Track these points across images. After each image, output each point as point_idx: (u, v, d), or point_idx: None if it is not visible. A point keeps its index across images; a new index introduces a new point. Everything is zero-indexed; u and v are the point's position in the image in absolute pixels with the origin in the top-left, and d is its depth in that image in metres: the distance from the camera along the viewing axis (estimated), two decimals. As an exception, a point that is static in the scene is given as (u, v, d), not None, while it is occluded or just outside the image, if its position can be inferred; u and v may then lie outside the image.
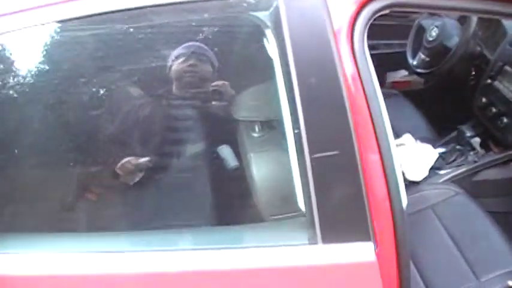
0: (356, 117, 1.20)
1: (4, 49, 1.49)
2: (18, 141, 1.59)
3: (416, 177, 2.20)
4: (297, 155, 1.23)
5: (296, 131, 1.20)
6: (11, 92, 1.55)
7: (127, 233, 1.49)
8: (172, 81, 1.82)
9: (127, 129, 1.78)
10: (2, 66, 1.54)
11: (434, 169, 2.29)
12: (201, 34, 1.63)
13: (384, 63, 2.62)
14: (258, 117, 1.59)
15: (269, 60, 1.32)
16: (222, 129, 1.77)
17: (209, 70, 1.79)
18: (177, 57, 1.80)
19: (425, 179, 2.24)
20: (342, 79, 1.19)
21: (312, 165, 1.19)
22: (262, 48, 1.33)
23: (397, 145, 2.19)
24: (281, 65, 1.24)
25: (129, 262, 1.29)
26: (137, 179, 1.70)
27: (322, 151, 1.19)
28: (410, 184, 2.19)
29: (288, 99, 1.24)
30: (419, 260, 1.86)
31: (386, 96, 2.20)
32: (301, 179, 1.23)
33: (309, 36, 1.20)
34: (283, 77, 1.24)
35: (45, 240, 1.44)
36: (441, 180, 2.25)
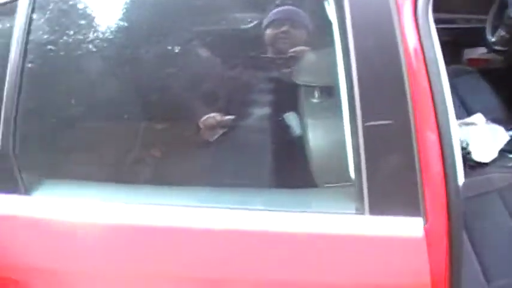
0: (415, 90, 1.16)
1: (86, 6, 1.52)
2: (96, 95, 1.64)
3: (484, 158, 2.12)
4: (350, 123, 1.20)
5: (351, 97, 1.17)
6: (90, 47, 1.59)
7: (187, 189, 1.51)
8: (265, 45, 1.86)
9: (204, 87, 1.83)
10: (83, 22, 1.57)
11: (504, 152, 2.19)
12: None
13: (462, 39, 2.53)
14: (317, 83, 1.56)
15: (329, 24, 1.28)
16: (289, 94, 1.76)
17: (303, 36, 1.81)
18: (270, 23, 1.83)
19: (493, 161, 2.15)
20: (401, 49, 1.15)
21: (364, 134, 1.17)
22: (323, 10, 1.30)
23: (466, 124, 2.12)
24: (339, 29, 1.21)
25: (184, 216, 1.33)
26: (216, 136, 1.74)
27: (376, 120, 1.16)
28: (477, 165, 2.11)
29: (344, 65, 1.20)
30: (478, 244, 1.81)
31: (461, 74, 2.12)
32: (353, 148, 1.21)
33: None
34: (341, 42, 1.21)
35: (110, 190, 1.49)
36: (510, 164, 2.15)
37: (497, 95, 2.55)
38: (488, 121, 2.26)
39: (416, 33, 1.16)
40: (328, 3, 1.27)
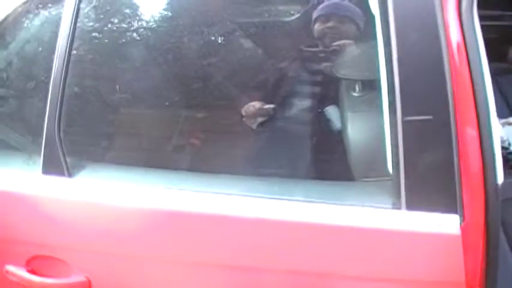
0: (456, 87, 1.15)
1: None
2: (139, 82, 1.68)
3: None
4: (390, 117, 1.20)
5: (392, 91, 1.17)
6: (134, 35, 1.63)
7: (227, 177, 1.52)
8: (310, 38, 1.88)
9: (247, 78, 1.87)
10: (128, 11, 1.61)
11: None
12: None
13: (509, 37, 2.47)
14: (358, 76, 1.56)
15: (371, 16, 1.28)
16: (330, 87, 1.77)
17: (352, 31, 1.81)
18: (317, 17, 1.84)
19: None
20: (444, 44, 1.14)
21: (403, 128, 1.16)
22: (366, 3, 1.30)
23: (510, 123, 2.08)
24: (381, 22, 1.20)
25: (224, 204, 1.35)
26: (256, 123, 1.78)
27: (415, 114, 1.15)
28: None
29: (386, 59, 1.20)
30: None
31: (505, 72, 2.08)
32: (391, 142, 1.21)
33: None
34: (383, 36, 1.21)
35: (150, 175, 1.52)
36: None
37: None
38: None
39: (460, 28, 1.15)
40: (370, -4, 1.27)
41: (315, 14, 1.87)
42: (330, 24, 1.84)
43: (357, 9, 1.79)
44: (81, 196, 1.43)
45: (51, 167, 1.45)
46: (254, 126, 1.80)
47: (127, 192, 1.41)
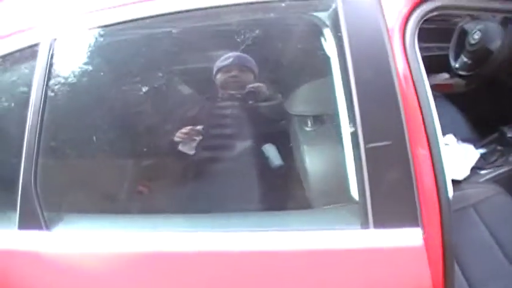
0: (407, 112, 1.28)
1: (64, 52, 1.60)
2: (106, 134, 1.73)
3: (458, 176, 2.25)
4: (352, 145, 1.32)
5: (352, 122, 1.29)
6: (98, 90, 1.69)
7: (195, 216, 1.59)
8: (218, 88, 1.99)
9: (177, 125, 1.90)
10: (93, 65, 1.68)
11: (475, 169, 2.32)
12: (264, 33, 1.73)
13: (425, 66, 2.67)
14: (312, 112, 1.68)
15: (326, 57, 1.41)
16: (271, 126, 1.88)
17: (250, 79, 1.94)
18: (220, 68, 1.97)
19: (466, 178, 2.28)
20: (395, 75, 1.27)
21: (366, 155, 1.28)
22: (320, 46, 1.42)
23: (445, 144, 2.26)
24: (339, 61, 1.33)
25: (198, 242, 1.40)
26: (195, 144, 1.85)
27: (376, 141, 1.27)
28: (452, 183, 2.24)
29: (345, 94, 1.32)
30: (460, 257, 1.90)
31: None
32: (356, 168, 1.31)
33: (365, 35, 1.29)
34: (341, 73, 1.33)
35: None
36: (482, 180, 2.29)
37: (463, 116, 2.71)
38: (459, 141, 2.40)
39: (406, 61, 1.30)
40: (325, 39, 1.40)
41: (216, 66, 2.01)
42: (232, 73, 2.00)
43: (253, 60, 1.95)
44: (63, 248, 1.45)
45: (28, 221, 1.46)
46: (192, 152, 1.88)
47: (107, 239, 1.44)
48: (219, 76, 2.02)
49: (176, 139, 1.87)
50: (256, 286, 1.37)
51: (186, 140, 1.87)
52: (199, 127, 1.90)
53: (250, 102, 1.95)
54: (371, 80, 1.28)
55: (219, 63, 2.01)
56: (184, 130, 1.87)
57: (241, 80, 1.99)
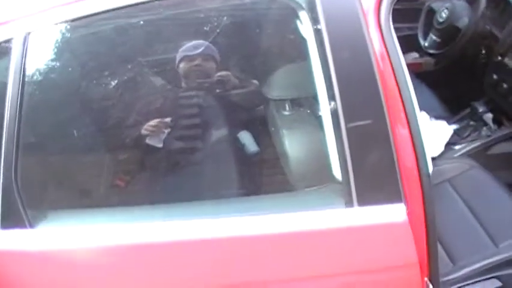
0: (386, 91, 1.30)
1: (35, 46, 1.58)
2: (85, 128, 1.71)
3: (433, 152, 2.29)
4: (333, 126, 1.33)
5: (332, 103, 1.30)
6: (49, 83, 1.66)
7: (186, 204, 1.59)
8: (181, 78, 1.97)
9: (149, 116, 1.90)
10: (41, 62, 1.64)
11: (449, 144, 2.39)
12: (240, 16, 1.72)
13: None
14: (289, 96, 1.69)
15: (302, 40, 1.41)
16: (244, 113, 1.88)
17: (213, 67, 1.94)
18: (183, 58, 1.95)
19: (441, 154, 2.34)
20: (372, 54, 1.29)
21: (347, 134, 1.29)
22: (296, 29, 1.43)
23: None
24: (316, 43, 1.34)
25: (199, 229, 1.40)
26: (163, 137, 1.85)
27: (357, 120, 1.29)
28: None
29: (324, 75, 1.33)
30: (439, 230, 1.92)
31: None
32: (337, 148, 1.33)
33: (341, 16, 1.31)
34: (318, 55, 1.34)
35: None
36: (456, 155, 2.35)
37: (435, 94, 2.75)
38: (432, 118, 2.44)
39: (382, 40, 1.32)
40: (301, 22, 1.41)
41: (179, 55, 1.99)
42: (196, 62, 1.97)
43: (215, 49, 1.95)
44: (47, 245, 1.43)
45: (11, 220, 1.43)
46: (160, 144, 1.87)
47: (91, 234, 1.43)
48: (182, 65, 1.99)
49: (144, 132, 1.86)
50: (241, 271, 1.38)
51: (154, 133, 1.86)
52: (167, 119, 1.89)
53: (219, 90, 1.94)
54: (349, 61, 1.30)
55: (181, 53, 1.99)
56: (152, 123, 1.86)
57: (205, 69, 1.98)
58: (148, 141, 1.87)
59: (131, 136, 1.87)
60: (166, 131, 1.88)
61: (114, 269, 1.40)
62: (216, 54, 1.96)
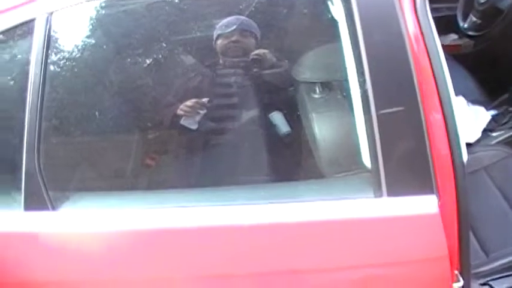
0: (419, 75, 1.24)
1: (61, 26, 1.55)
2: (111, 110, 1.69)
3: (469, 139, 2.22)
4: (363, 112, 1.28)
5: (363, 89, 1.25)
6: (74, 64, 1.64)
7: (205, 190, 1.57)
8: (218, 54, 1.92)
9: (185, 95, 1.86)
10: (65, 43, 1.62)
11: (486, 131, 2.30)
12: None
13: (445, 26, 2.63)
14: (320, 79, 1.64)
15: (333, 21, 1.36)
16: (277, 93, 1.84)
17: (252, 44, 1.88)
18: (220, 34, 1.91)
19: (477, 140, 2.26)
20: (406, 37, 1.23)
21: (378, 121, 1.24)
22: (327, 10, 1.38)
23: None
24: (347, 25, 1.29)
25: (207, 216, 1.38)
26: (198, 118, 1.81)
27: (388, 107, 1.24)
28: (463, 146, 2.21)
29: (355, 59, 1.28)
30: (473, 220, 1.89)
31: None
32: (367, 136, 1.28)
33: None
34: (350, 37, 1.29)
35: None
36: (494, 142, 2.27)
37: (472, 78, 2.66)
38: (469, 103, 2.36)
39: (417, 23, 1.25)
40: (333, 3, 1.35)
41: (216, 32, 1.94)
42: (234, 38, 1.93)
43: (254, 24, 1.88)
44: (70, 228, 1.43)
45: (34, 202, 1.43)
46: (194, 126, 1.84)
47: (114, 217, 1.42)
48: (219, 42, 1.95)
49: (179, 112, 1.82)
50: (269, 259, 1.35)
51: (190, 113, 1.82)
52: (204, 100, 1.85)
53: (255, 70, 1.89)
54: (381, 44, 1.24)
55: (219, 29, 1.94)
56: (188, 103, 1.83)
57: (243, 45, 1.93)
58: (183, 122, 1.83)
59: (166, 116, 1.85)
60: (202, 112, 1.84)
61: (136, 254, 1.38)
62: (255, 30, 1.90)
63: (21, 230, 1.44)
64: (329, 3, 1.40)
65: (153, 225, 1.39)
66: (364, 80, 1.24)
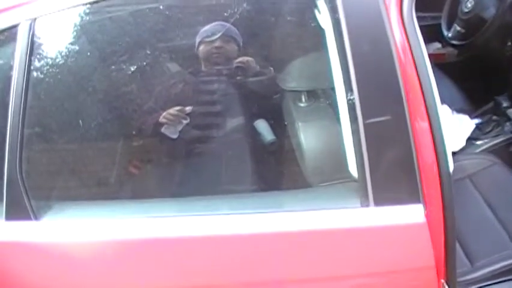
0: (406, 85, 1.24)
1: (48, 31, 1.54)
2: (93, 118, 1.67)
3: (454, 147, 2.23)
4: (350, 121, 1.27)
5: (350, 98, 1.24)
6: (58, 70, 1.62)
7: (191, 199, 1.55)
8: (200, 60, 1.90)
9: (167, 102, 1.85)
10: (48, 49, 1.60)
11: (471, 139, 2.31)
12: (256, 4, 1.67)
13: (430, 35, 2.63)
14: (306, 87, 1.64)
15: (320, 30, 1.36)
16: (262, 101, 1.83)
17: (235, 50, 1.86)
18: (202, 40, 1.89)
19: (462, 149, 2.26)
20: (393, 47, 1.23)
21: (365, 130, 1.24)
22: (314, 18, 1.37)
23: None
24: (334, 34, 1.28)
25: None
26: (180, 127, 1.79)
27: (375, 116, 1.23)
28: (448, 155, 2.22)
29: (341, 68, 1.27)
30: (458, 228, 1.88)
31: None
32: (354, 145, 1.28)
33: (361, 5, 1.25)
34: (336, 46, 1.28)
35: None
36: (478, 150, 2.27)
37: (457, 87, 2.67)
38: (454, 112, 2.37)
39: (404, 32, 1.25)
40: (319, 11, 1.34)
41: (199, 38, 1.92)
42: (216, 44, 1.91)
43: (236, 30, 1.87)
44: (53, 237, 1.40)
45: (16, 212, 1.41)
46: (175, 135, 1.82)
47: (97, 227, 1.40)
48: (201, 48, 1.93)
49: (162, 120, 1.80)
50: (254, 269, 1.34)
51: (172, 122, 1.81)
52: (188, 108, 1.83)
53: (239, 77, 1.87)
54: (368, 53, 1.24)
55: (201, 35, 1.92)
56: (172, 111, 1.80)
57: (226, 51, 1.91)
58: (164, 130, 1.81)
59: (149, 124, 1.83)
60: (185, 122, 1.82)
61: (120, 264, 1.37)
62: (238, 37, 1.89)
63: (2, 239, 1.42)
64: (316, 11, 1.39)
65: (137, 234, 1.37)
66: (351, 89, 1.24)
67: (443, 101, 2.31)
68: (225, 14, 1.76)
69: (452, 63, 2.76)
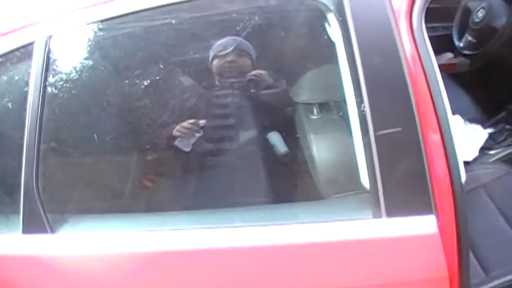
0: (416, 96, 1.24)
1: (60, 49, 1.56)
2: (110, 133, 1.69)
3: (467, 157, 2.23)
4: (362, 133, 1.28)
5: (361, 110, 1.25)
6: (73, 86, 1.65)
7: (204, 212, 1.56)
8: (214, 75, 1.93)
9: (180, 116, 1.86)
10: (63, 65, 1.63)
11: (484, 149, 2.31)
12: (267, 18, 1.68)
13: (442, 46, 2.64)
14: (317, 100, 1.65)
15: (330, 43, 1.37)
16: (275, 114, 1.84)
17: (248, 64, 1.87)
18: (216, 54, 1.91)
19: (475, 159, 2.26)
20: (403, 59, 1.23)
21: (376, 142, 1.24)
22: (324, 31, 1.39)
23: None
24: (344, 46, 1.29)
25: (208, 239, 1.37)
26: (193, 140, 1.80)
27: (386, 128, 1.24)
28: (461, 164, 2.21)
29: (352, 80, 1.28)
30: (472, 238, 1.88)
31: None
32: (365, 156, 1.28)
33: (371, 18, 1.25)
34: (347, 59, 1.29)
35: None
36: (491, 160, 2.27)
37: (469, 96, 2.67)
38: (466, 122, 2.37)
39: (414, 43, 1.25)
40: (330, 24, 1.36)
41: (212, 52, 1.95)
42: (229, 58, 1.93)
43: (250, 44, 1.89)
44: (69, 251, 1.42)
45: (32, 225, 1.43)
46: (188, 148, 1.83)
47: (113, 240, 1.41)
48: (215, 62, 1.96)
49: (176, 133, 1.82)
50: (268, 281, 1.35)
51: (186, 135, 1.82)
52: (201, 121, 1.84)
53: (252, 90, 1.89)
54: (378, 65, 1.24)
55: (214, 50, 1.95)
56: (185, 124, 1.82)
57: (239, 65, 1.94)
58: (177, 143, 1.82)
59: (163, 137, 1.85)
60: (198, 135, 1.83)
61: (136, 277, 1.38)
62: (251, 50, 1.91)
63: (19, 253, 1.44)
64: (326, 24, 1.40)
65: (152, 247, 1.38)
66: (362, 101, 1.24)
67: (455, 111, 2.33)
68: (238, 28, 1.77)
69: (464, 73, 2.75)
